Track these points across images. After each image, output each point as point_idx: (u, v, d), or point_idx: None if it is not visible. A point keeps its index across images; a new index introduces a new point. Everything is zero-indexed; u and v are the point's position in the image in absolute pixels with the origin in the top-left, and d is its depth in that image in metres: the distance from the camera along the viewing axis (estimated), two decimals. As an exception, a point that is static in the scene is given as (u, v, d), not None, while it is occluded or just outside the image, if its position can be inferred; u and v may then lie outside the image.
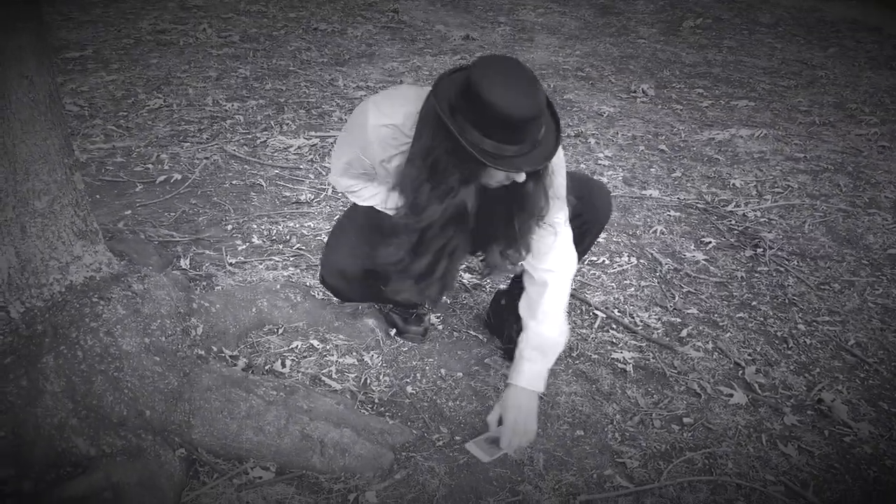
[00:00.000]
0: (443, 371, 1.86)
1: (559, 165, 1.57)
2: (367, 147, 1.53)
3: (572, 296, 2.20)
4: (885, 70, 4.92)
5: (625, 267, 2.45)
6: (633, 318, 2.16)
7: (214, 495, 1.44)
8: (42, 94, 1.42)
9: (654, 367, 1.95)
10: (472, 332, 2.03)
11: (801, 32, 5.83)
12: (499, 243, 1.59)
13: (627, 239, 2.63)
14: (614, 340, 2.04)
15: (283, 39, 4.90)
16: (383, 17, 5.62)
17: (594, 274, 2.40)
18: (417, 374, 1.84)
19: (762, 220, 2.81)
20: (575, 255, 1.67)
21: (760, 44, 5.45)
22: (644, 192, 3.01)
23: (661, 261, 2.48)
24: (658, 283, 2.37)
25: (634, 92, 4.25)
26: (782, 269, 2.48)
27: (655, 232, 2.69)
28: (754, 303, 2.28)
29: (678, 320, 2.17)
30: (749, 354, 2.03)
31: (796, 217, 2.85)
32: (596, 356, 1.98)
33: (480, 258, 1.78)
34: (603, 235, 2.60)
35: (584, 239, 1.78)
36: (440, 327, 2.04)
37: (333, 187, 2.31)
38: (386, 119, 1.49)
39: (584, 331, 2.08)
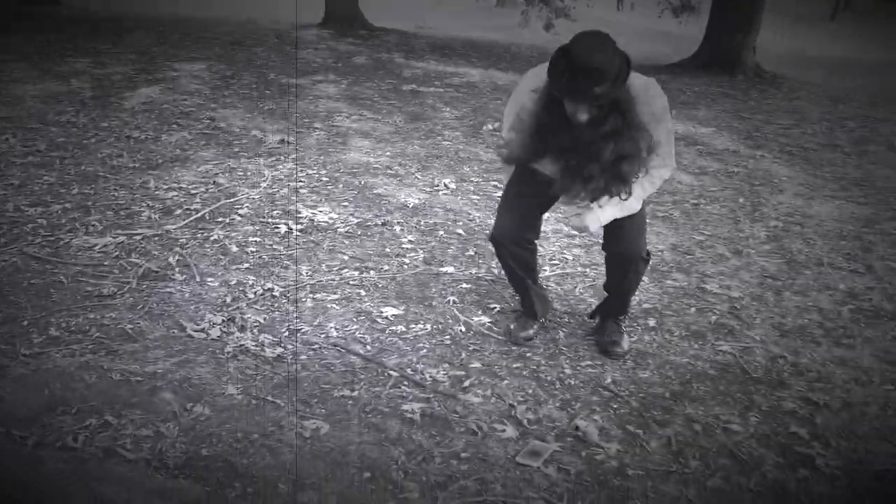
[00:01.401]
0: (239, 434, 1.97)
1: (657, 116, 2.24)
2: (523, 105, 2.30)
3: (369, 360, 2.40)
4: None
5: (419, 333, 2.69)
6: (423, 374, 2.39)
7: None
8: None
9: (439, 413, 2.17)
10: (270, 399, 2.16)
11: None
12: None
13: (424, 310, 2.89)
14: (404, 395, 2.25)
15: (94, 147, 4.92)
16: (199, 124, 5.79)
17: (391, 340, 2.62)
18: (213, 440, 1.93)
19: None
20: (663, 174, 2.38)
21: (550, 142, 6.13)
22: (441, 269, 3.31)
23: (451, 325, 2.75)
24: (448, 343, 2.62)
25: (437, 186, 4.65)
26: (555, 326, 2.83)
27: (449, 302, 2.97)
28: (529, 354, 2.59)
29: (463, 373, 2.42)
30: (522, 396, 2.31)
31: (569, 283, 3.26)
32: (387, 409, 2.17)
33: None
34: (402, 308, 2.85)
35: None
36: (239, 396, 2.15)
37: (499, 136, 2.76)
38: (533, 85, 2.26)
39: (377, 389, 2.27)
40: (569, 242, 3.77)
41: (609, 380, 2.46)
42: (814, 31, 29.69)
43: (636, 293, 2.93)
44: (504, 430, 2.09)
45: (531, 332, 2.71)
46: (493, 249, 2.70)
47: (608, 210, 2.34)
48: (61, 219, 3.56)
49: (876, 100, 9.98)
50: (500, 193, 4.53)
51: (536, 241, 2.69)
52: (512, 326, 2.73)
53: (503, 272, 2.84)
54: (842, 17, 35.49)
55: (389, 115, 6.75)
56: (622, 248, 2.51)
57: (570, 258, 3.56)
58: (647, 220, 2.84)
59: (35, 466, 1.59)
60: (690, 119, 7.61)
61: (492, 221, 3.99)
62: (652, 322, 2.92)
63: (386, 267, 3.30)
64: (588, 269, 3.43)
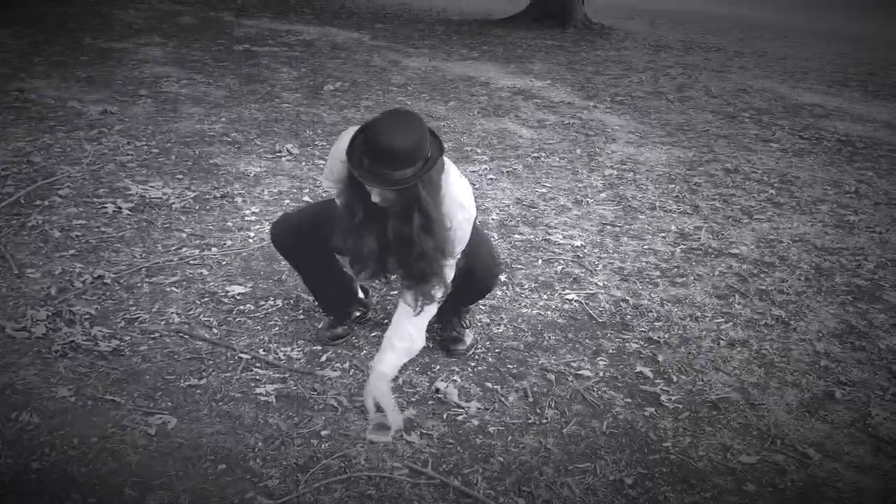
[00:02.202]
0: (75, 441, 1.80)
1: (459, 220, 2.00)
2: (335, 162, 2.04)
3: (216, 343, 2.28)
4: (493, 117, 5.78)
5: (270, 310, 2.58)
6: (276, 354, 2.30)
7: None
8: None
9: (296, 393, 2.10)
10: (108, 397, 2.00)
11: (426, 90, 6.61)
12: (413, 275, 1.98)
13: (273, 285, 2.78)
14: (258, 377, 2.15)
15: None
16: (6, 96, 5.21)
17: (240, 321, 2.49)
18: (45, 449, 1.76)
19: (393, 250, 3.15)
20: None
21: (393, 101, 6.06)
22: (288, 240, 3.19)
23: (303, 298, 2.66)
24: (302, 318, 2.54)
25: (279, 152, 4.47)
26: (410, 289, 2.81)
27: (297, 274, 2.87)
28: (386, 321, 2.56)
29: (319, 348, 2.35)
30: (380, 365, 2.27)
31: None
32: (239, 395, 2.07)
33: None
34: (250, 286, 2.72)
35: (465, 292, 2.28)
36: (73, 398, 1.97)
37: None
38: (343, 154, 1.93)
39: (227, 374, 2.16)
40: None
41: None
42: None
43: None
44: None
45: (340, 329, 2.46)
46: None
47: (389, 357, 2.02)
48: None
49: (690, 46, 10.67)
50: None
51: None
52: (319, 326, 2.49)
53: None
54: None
55: (222, 78, 6.40)
56: (477, 287, 2.32)
57: (420, 219, 3.54)
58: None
59: None
60: (527, 73, 7.78)
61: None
62: (503, 277, 2.97)
63: (229, 242, 3.14)
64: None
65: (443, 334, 2.45)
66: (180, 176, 3.91)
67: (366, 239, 1.99)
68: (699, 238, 3.53)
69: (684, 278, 3.10)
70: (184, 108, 5.33)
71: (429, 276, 1.97)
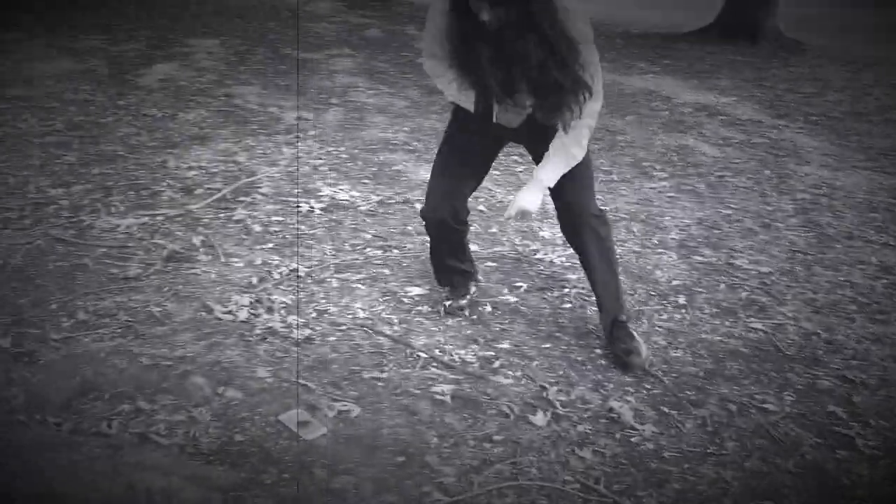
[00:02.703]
0: (271, 419, 1.96)
1: (575, 16, 1.99)
2: (438, 25, 2.06)
3: (395, 340, 2.39)
4: (674, 133, 5.61)
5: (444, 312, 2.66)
6: (451, 355, 2.36)
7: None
8: None
9: (470, 395, 2.15)
10: (301, 382, 2.15)
11: (604, 103, 6.53)
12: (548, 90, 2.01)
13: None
14: (434, 376, 2.23)
15: (112, 126, 4.90)
16: (216, 101, 5.75)
17: (418, 321, 2.59)
18: (246, 424, 1.93)
19: (567, 264, 3.14)
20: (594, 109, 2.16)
21: (570, 115, 6.04)
22: (465, 247, 3.28)
23: (479, 305, 2.72)
24: (475, 323, 2.60)
25: (457, 161, 4.59)
26: (583, 304, 2.79)
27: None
28: (559, 334, 2.56)
29: (492, 354, 2.40)
30: (553, 378, 2.28)
31: (597, 259, 3.21)
32: (417, 391, 2.15)
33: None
34: (427, 288, 2.82)
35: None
36: (270, 380, 2.14)
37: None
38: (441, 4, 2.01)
39: (406, 370, 2.26)
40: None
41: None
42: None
43: (624, 279, 2.80)
44: (536, 413, 2.07)
45: (464, 302, 2.64)
46: (424, 228, 2.58)
47: (550, 166, 2.20)
48: (83, 199, 3.55)
49: (901, 65, 9.75)
50: (522, 168, 4.48)
51: (468, 220, 2.59)
52: (446, 300, 2.65)
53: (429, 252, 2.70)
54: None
55: (405, 90, 6.68)
56: (568, 199, 2.37)
57: (596, 234, 3.50)
58: (594, 176, 2.51)
59: (70, 453, 1.59)
60: (711, 89, 7.47)
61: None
62: (682, 299, 2.88)
63: (409, 245, 3.27)
64: (615, 245, 3.37)
65: (614, 349, 2.40)
66: (366, 181, 4.12)
67: (484, 65, 1.95)
68: (905, 273, 3.23)
69: (886, 315, 2.84)
70: (370, 117, 5.62)
71: (563, 95, 2.00)
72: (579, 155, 2.20)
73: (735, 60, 9.54)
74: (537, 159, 2.37)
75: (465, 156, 2.39)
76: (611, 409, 2.11)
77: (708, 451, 2.01)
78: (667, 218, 3.78)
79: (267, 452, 1.83)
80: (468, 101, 2.20)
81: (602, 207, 2.59)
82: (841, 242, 3.57)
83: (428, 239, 2.63)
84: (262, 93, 6.16)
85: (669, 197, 4.12)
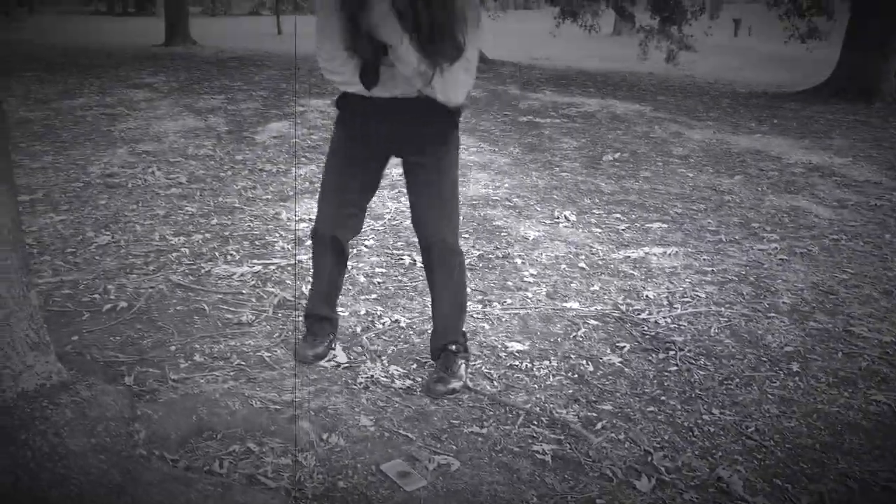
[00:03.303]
0: (373, 468, 1.98)
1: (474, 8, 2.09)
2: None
3: (496, 400, 2.39)
4: (784, 193, 5.43)
5: (546, 370, 2.64)
6: (552, 414, 2.33)
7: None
8: (5, 219, 1.61)
9: (571, 456, 2.11)
10: (402, 432, 2.17)
11: (710, 163, 6.41)
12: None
13: (549, 346, 2.84)
14: (535, 434, 2.20)
15: (230, 179, 5.20)
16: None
17: (518, 377, 2.58)
18: (349, 471, 1.96)
19: (672, 326, 3.07)
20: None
21: (674, 173, 5.96)
22: (565, 304, 3.26)
23: (579, 364, 2.69)
24: (576, 383, 2.56)
25: (557, 218, 4.61)
26: (690, 367, 2.71)
27: (575, 339, 2.91)
28: (664, 398, 2.48)
29: (594, 415, 2.35)
30: (658, 442, 2.21)
31: (703, 322, 3.12)
32: (517, 449, 2.13)
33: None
34: (527, 344, 2.82)
35: None
36: (372, 428, 2.17)
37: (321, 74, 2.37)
38: None
39: (507, 427, 2.24)
40: (700, 279, 3.62)
41: (752, 428, 2.32)
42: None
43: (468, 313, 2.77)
44: (640, 478, 2.01)
45: (321, 349, 2.56)
46: (312, 246, 2.54)
47: (454, 73, 2.08)
48: (202, 248, 3.76)
49: None
50: (625, 226, 4.44)
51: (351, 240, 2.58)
52: (300, 344, 2.58)
53: (312, 274, 2.62)
54: None
55: (507, 147, 6.78)
56: (429, 231, 2.36)
57: (703, 295, 3.41)
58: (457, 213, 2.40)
59: (186, 489, 1.66)
60: (825, 149, 7.21)
61: (616, 255, 3.91)
62: (795, 367, 2.75)
63: (509, 300, 3.28)
64: (723, 308, 3.27)
65: (428, 377, 2.47)
66: (466, 235, 4.18)
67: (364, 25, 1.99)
68: None
69: None
70: (472, 174, 5.72)
71: (443, 41, 2.02)
72: (461, 75, 2.12)
73: (850, 120, 9.18)
74: (411, 175, 2.37)
75: (355, 167, 2.37)
76: (719, 479, 2.02)
77: (827, 530, 1.88)
78: (778, 281, 3.63)
79: (368, 501, 1.85)
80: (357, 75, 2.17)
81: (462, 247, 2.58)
82: (973, 313, 3.32)
83: None
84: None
85: (780, 259, 3.97)
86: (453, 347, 2.46)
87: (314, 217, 2.54)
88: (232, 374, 2.44)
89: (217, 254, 3.68)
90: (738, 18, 29.32)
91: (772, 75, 15.91)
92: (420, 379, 2.51)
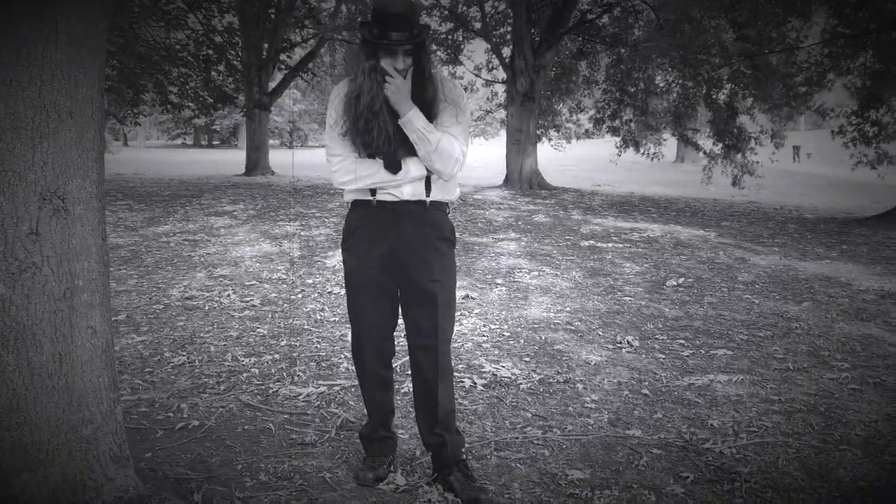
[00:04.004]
0: None
1: (454, 90, 2.53)
2: (341, 98, 2.48)
3: (554, 525, 2.36)
4: (855, 321, 5.30)
5: (608, 499, 2.60)
6: (612, 546, 2.29)
7: None
8: (101, 342, 1.77)
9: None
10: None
11: (777, 289, 6.34)
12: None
13: (611, 474, 2.81)
14: (593, 566, 2.16)
15: (300, 302, 5.42)
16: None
17: (577, 506, 2.55)
18: None
19: (738, 456, 2.99)
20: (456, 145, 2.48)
21: (739, 300, 5.91)
22: (628, 431, 3.23)
23: (641, 493, 2.64)
24: (638, 514, 2.51)
25: (620, 343, 4.61)
26: (756, 500, 2.62)
27: (637, 467, 2.86)
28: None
29: (655, 548, 2.29)
30: (723, 579, 2.13)
31: (770, 453, 3.03)
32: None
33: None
34: (588, 472, 2.79)
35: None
36: (429, 555, 2.17)
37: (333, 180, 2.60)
38: (343, 88, 2.52)
39: (564, 557, 2.20)
40: (767, 408, 3.54)
41: (823, 567, 2.22)
42: None
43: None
44: None
45: (381, 471, 2.65)
46: (356, 364, 2.70)
47: (444, 144, 2.44)
48: (271, 369, 3.91)
49: None
50: (689, 352, 4.40)
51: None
52: (360, 466, 2.71)
53: (363, 395, 2.78)
54: None
55: (568, 271, 6.88)
56: (425, 337, 2.57)
57: (770, 425, 3.33)
58: None
59: None
60: (897, 275, 7.05)
61: (680, 382, 3.87)
62: (871, 501, 2.63)
63: (570, 427, 3.27)
64: (791, 439, 3.18)
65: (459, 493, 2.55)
66: (527, 359, 4.22)
67: (381, 124, 2.38)
68: None
69: None
70: (533, 297, 5.81)
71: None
72: (448, 145, 2.44)
73: (923, 245, 8.99)
74: (404, 292, 2.58)
75: (378, 289, 2.55)
76: None
77: None
78: (849, 412, 3.52)
79: None
80: (371, 171, 2.47)
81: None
82: None
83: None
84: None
85: (852, 389, 3.85)
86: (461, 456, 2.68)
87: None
88: (294, 494, 2.50)
89: (285, 374, 3.82)
90: (797, 145, 29.47)
91: (839, 201, 15.75)
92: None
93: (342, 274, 6.46)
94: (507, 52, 16.56)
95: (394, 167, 2.45)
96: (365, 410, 2.83)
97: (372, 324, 2.57)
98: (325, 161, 2.59)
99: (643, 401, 3.63)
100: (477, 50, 19.49)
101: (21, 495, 1.65)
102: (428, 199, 2.51)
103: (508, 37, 17.26)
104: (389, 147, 2.42)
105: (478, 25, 17.17)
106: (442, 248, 2.54)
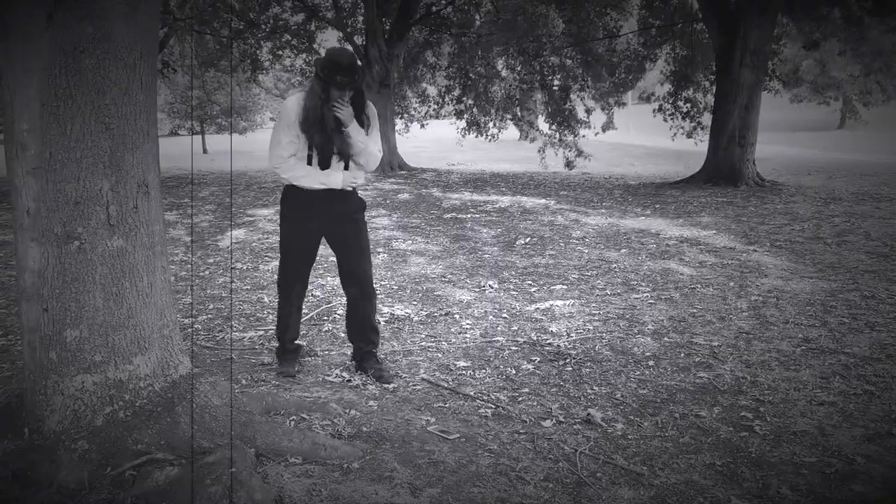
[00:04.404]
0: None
1: (373, 111, 3.74)
2: (294, 110, 3.55)
3: (453, 390, 3.56)
4: (658, 260, 6.89)
5: (483, 374, 3.83)
6: (490, 395, 3.52)
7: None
8: (167, 276, 2.73)
9: (503, 413, 3.29)
10: (399, 413, 3.31)
11: (602, 241, 7.90)
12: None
13: (484, 362, 4.04)
14: (479, 405, 3.37)
15: (210, 276, 6.28)
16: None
17: (465, 379, 3.76)
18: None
19: (569, 347, 4.31)
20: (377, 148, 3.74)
21: (573, 251, 7.39)
22: (494, 339, 4.48)
23: (506, 370, 3.89)
24: (504, 380, 3.75)
25: (483, 287, 5.89)
26: (580, 367, 3.95)
27: (502, 357, 4.12)
28: (561, 384, 3.70)
29: (517, 395, 3.54)
30: (556, 405, 3.42)
31: (591, 343, 4.39)
32: (469, 414, 3.29)
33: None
34: (469, 362, 4.01)
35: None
36: (376, 407, 3.30)
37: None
38: (298, 100, 3.59)
39: (460, 402, 3.41)
40: (590, 318, 4.93)
41: (619, 395, 3.57)
42: (821, 140, 31.34)
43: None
44: (545, 421, 3.20)
45: (295, 370, 3.84)
46: (281, 301, 3.88)
47: (371, 148, 3.67)
48: (212, 324, 4.84)
49: (862, 197, 11.18)
50: (535, 289, 5.75)
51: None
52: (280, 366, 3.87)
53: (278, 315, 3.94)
54: (849, 124, 37.26)
55: (436, 238, 8.12)
56: (352, 267, 3.81)
57: (591, 328, 4.70)
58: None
59: None
60: (695, 225, 8.86)
61: (529, 308, 5.18)
62: (651, 363, 4.03)
63: (453, 340, 4.49)
64: (604, 335, 4.56)
65: (371, 371, 3.81)
66: (415, 302, 5.41)
67: (323, 134, 3.51)
68: (820, 342, 4.37)
69: (797, 367, 3.97)
70: (411, 259, 7.00)
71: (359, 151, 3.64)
72: (375, 150, 3.68)
73: (718, 201, 11.02)
74: (339, 252, 3.81)
75: (306, 243, 3.76)
76: (590, 415, 3.24)
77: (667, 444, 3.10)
78: (646, 316, 4.98)
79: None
80: (305, 173, 3.58)
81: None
82: (778, 326, 4.72)
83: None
84: (323, 248, 7.60)
85: (650, 303, 5.34)
86: (372, 349, 3.89)
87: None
88: (264, 386, 3.54)
89: (226, 327, 4.78)
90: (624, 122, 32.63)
91: (659, 168, 18.14)
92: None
93: (237, 253, 7.35)
94: (360, 42, 17.55)
95: (325, 164, 3.60)
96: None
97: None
98: (268, 148, 3.66)
99: (503, 321, 4.91)
100: (330, 39, 20.30)
101: (136, 370, 2.59)
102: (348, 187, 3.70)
103: (360, 26, 18.24)
104: (325, 148, 3.57)
105: (330, 15, 18.03)
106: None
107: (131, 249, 2.52)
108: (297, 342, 3.96)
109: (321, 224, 3.71)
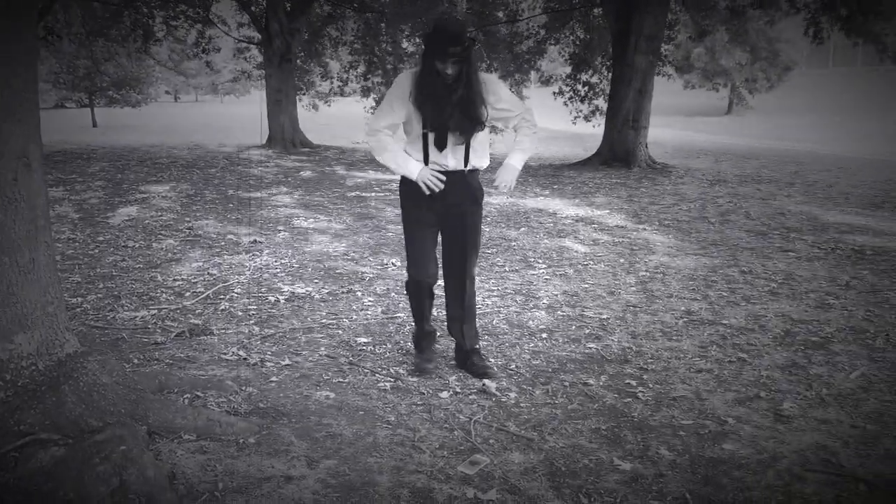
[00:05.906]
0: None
1: (494, 84, 3.40)
2: (405, 86, 3.27)
3: (354, 364, 3.59)
4: (555, 238, 7.11)
5: (383, 350, 3.88)
6: (389, 369, 3.57)
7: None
8: (51, 252, 2.63)
9: (402, 387, 3.35)
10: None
11: (503, 220, 8.06)
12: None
13: (385, 338, 4.09)
14: (378, 379, 3.43)
15: (100, 255, 6.05)
16: (181, 233, 6.99)
17: (366, 355, 3.80)
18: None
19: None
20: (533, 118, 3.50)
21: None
22: (395, 315, 4.53)
23: (406, 346, 3.96)
24: (403, 355, 3.82)
25: (386, 264, 5.93)
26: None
27: (402, 333, 4.18)
28: (459, 357, 3.81)
29: (413, 369, 3.62)
30: (452, 376, 3.52)
31: (488, 318, 4.51)
32: (372, 375, 3.34)
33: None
34: (370, 338, 4.04)
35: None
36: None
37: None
38: (409, 77, 3.31)
39: (361, 377, 3.45)
40: (489, 294, 5.05)
41: (513, 366, 3.70)
42: (710, 124, 32.93)
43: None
44: (442, 393, 3.29)
45: (431, 365, 3.63)
46: (411, 291, 3.67)
47: (519, 153, 3.51)
48: (102, 303, 4.68)
49: (746, 179, 11.87)
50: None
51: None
52: (417, 360, 3.67)
53: (411, 312, 3.80)
54: (736, 110, 39.27)
55: (340, 217, 8.09)
56: (457, 262, 3.63)
57: (490, 303, 4.83)
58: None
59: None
60: (590, 205, 9.18)
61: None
62: (545, 335, 4.19)
63: (354, 317, 4.51)
64: (502, 309, 4.69)
65: (472, 369, 3.61)
66: (317, 280, 5.39)
67: (441, 104, 3.21)
68: (700, 314, 4.65)
69: (679, 337, 4.22)
70: (313, 238, 6.95)
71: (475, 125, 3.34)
72: (535, 128, 3.50)
73: (612, 182, 11.44)
74: (448, 239, 3.57)
75: (425, 229, 3.50)
76: (485, 385, 3.35)
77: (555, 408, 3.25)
78: (541, 291, 5.15)
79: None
80: (414, 153, 3.37)
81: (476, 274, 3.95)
82: (662, 300, 5.00)
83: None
84: (219, 224, 7.45)
85: (545, 279, 5.53)
86: (476, 347, 3.72)
87: (185, 278, 3.67)
88: (158, 364, 3.47)
89: (116, 306, 4.62)
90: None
91: (560, 150, 18.61)
92: (299, 357, 3.67)
93: (129, 231, 7.09)
94: (260, 13, 17.06)
95: (442, 145, 3.33)
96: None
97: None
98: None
99: (404, 298, 4.95)
100: (225, 11, 19.63)
101: (17, 349, 2.48)
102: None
103: (260, -1, 17.74)
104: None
105: (227, -14, 17.43)
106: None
107: (11, 223, 2.40)
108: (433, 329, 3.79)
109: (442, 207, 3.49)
